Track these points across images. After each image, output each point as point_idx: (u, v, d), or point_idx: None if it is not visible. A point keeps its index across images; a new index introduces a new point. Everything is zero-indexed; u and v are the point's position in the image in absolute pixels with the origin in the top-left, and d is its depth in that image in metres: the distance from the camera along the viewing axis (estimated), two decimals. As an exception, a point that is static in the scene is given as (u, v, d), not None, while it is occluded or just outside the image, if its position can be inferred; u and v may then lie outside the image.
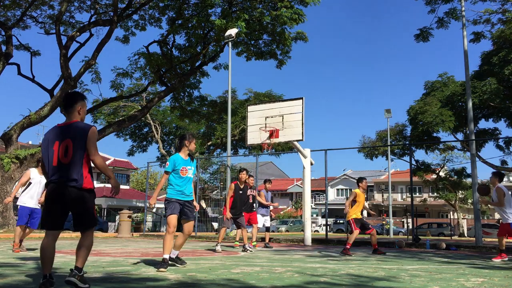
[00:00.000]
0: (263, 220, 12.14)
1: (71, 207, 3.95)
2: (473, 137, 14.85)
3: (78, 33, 21.43)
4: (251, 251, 9.64)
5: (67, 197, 3.89)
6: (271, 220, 13.49)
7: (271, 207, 12.62)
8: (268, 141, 13.13)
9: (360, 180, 9.89)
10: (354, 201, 9.61)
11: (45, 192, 8.70)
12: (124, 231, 18.39)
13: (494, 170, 9.02)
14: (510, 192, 8.76)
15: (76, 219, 3.99)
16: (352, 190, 9.95)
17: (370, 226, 9.84)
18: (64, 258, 7.25)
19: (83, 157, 3.95)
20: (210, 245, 11.85)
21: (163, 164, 43.43)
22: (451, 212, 48.19)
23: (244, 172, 10.31)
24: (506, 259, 8.31)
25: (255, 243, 11.10)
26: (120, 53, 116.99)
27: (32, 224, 8.75)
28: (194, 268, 5.92)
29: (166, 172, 6.11)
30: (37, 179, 8.62)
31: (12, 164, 19.24)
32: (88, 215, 3.99)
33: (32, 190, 8.60)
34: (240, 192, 10.09)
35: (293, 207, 59.91)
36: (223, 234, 10.33)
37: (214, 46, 23.73)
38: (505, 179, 57.44)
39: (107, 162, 45.74)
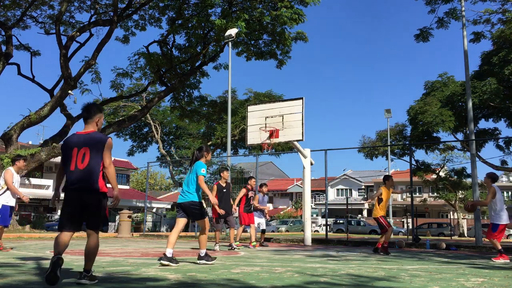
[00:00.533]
0: (257, 222, 12.21)
1: (86, 209, 4.25)
2: (473, 137, 14.85)
3: (78, 33, 21.43)
4: (238, 249, 9.96)
5: (83, 200, 4.22)
6: (270, 221, 13.67)
7: (266, 210, 12.64)
8: (268, 141, 13.12)
9: (386, 178, 9.84)
10: (380, 199, 9.57)
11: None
12: (124, 231, 18.39)
13: (489, 172, 8.98)
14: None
15: (88, 219, 4.29)
16: (379, 187, 9.93)
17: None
18: (64, 258, 7.24)
19: (99, 164, 4.29)
20: (210, 245, 11.85)
21: (164, 164, 43.52)
22: (451, 212, 48.20)
23: (225, 171, 10.46)
24: (508, 261, 8.20)
25: (254, 243, 11.19)
26: (120, 53, 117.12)
27: (6, 221, 8.71)
28: (194, 268, 5.92)
29: (204, 177, 6.44)
30: (16, 178, 8.71)
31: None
32: (99, 217, 4.31)
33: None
34: (224, 191, 10.21)
35: (293, 207, 59.89)
36: (218, 235, 10.43)
37: (214, 46, 23.73)
38: (505, 178, 56.92)
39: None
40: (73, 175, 4.23)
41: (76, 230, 4.30)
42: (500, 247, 8.36)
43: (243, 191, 11.23)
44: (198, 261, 6.46)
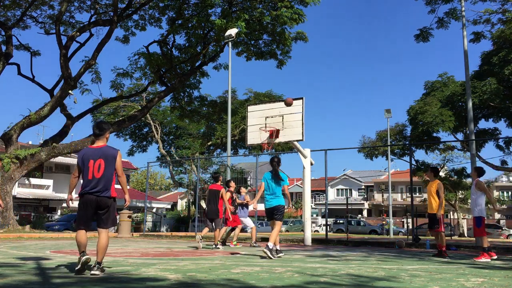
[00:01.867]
0: (243, 224, 12.47)
1: (99, 210, 5.04)
2: (473, 137, 14.85)
3: (78, 33, 21.43)
4: (218, 248, 10.33)
5: (98, 203, 5.00)
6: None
7: (250, 208, 12.56)
8: (268, 141, 13.12)
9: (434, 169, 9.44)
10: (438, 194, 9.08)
11: None
12: (124, 231, 18.39)
13: (477, 166, 8.96)
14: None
15: (100, 219, 5.07)
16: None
17: (439, 226, 9.10)
18: (64, 258, 7.25)
19: (112, 174, 5.11)
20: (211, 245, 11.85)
21: (164, 164, 43.53)
22: (451, 212, 48.20)
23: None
24: (490, 260, 8.14)
25: (235, 242, 11.66)
26: (120, 53, 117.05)
27: None
28: (194, 268, 5.92)
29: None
30: None
31: (12, 164, 19.23)
32: (110, 217, 5.12)
33: None
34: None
35: (293, 207, 59.86)
36: (217, 234, 10.67)
37: (214, 46, 23.73)
38: (505, 178, 56.56)
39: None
40: (91, 182, 5.01)
41: (88, 228, 5.06)
42: (488, 245, 8.38)
43: (228, 194, 11.44)
44: (277, 255, 7.74)
